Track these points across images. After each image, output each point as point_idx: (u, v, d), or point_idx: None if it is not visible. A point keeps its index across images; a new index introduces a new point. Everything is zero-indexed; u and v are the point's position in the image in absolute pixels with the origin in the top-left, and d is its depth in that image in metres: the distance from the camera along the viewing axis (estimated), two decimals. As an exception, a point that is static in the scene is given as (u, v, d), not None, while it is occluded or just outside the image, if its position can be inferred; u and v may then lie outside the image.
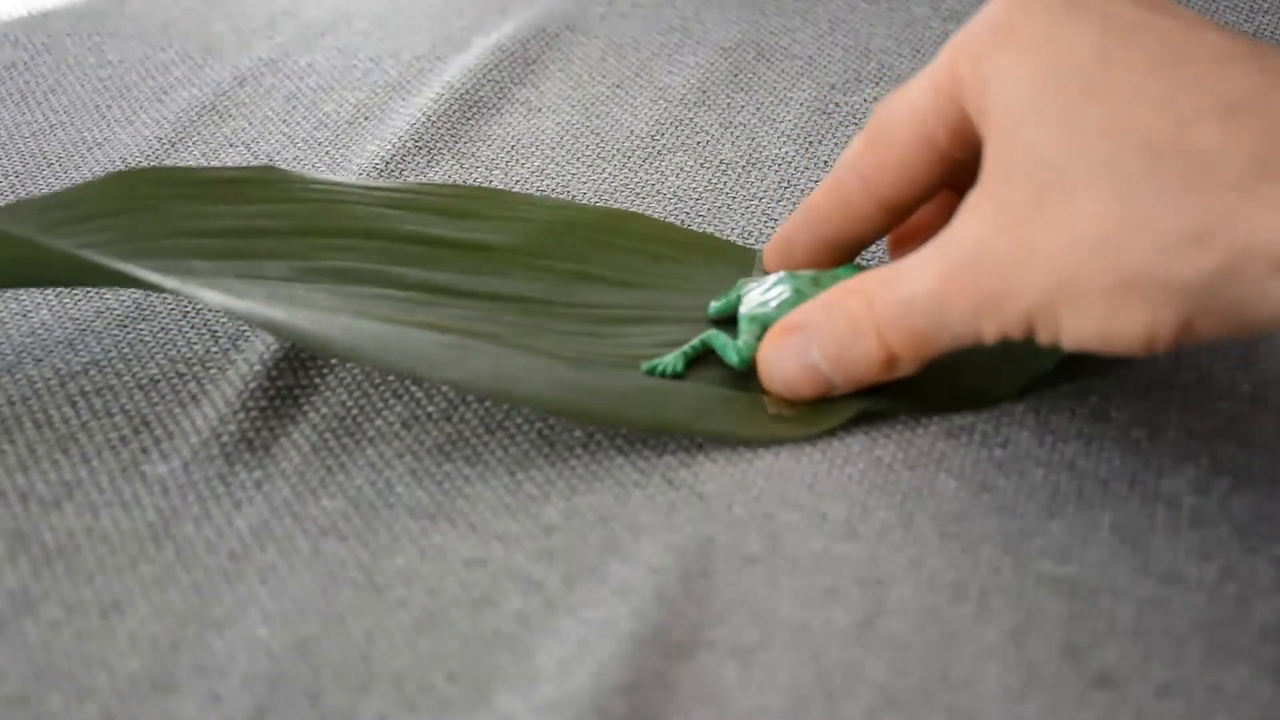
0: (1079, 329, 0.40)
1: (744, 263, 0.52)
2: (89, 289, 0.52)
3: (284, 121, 0.64)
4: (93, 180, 0.51)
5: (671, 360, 0.47)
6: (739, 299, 0.49)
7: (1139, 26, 0.41)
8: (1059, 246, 0.40)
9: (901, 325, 0.43)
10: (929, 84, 0.44)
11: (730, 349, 0.47)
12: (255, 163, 0.60)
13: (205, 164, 0.60)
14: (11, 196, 0.58)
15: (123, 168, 0.60)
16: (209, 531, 0.42)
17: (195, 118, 0.64)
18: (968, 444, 0.45)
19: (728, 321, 0.49)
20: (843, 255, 0.48)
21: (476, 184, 0.59)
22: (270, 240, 0.51)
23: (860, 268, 0.47)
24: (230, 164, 0.60)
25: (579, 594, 0.40)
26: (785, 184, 0.58)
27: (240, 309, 0.45)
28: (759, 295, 0.47)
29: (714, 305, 0.49)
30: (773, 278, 0.48)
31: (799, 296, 0.46)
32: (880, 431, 0.45)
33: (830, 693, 0.37)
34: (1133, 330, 0.40)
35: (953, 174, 0.45)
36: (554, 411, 0.44)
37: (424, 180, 0.56)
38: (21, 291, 0.52)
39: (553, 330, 0.48)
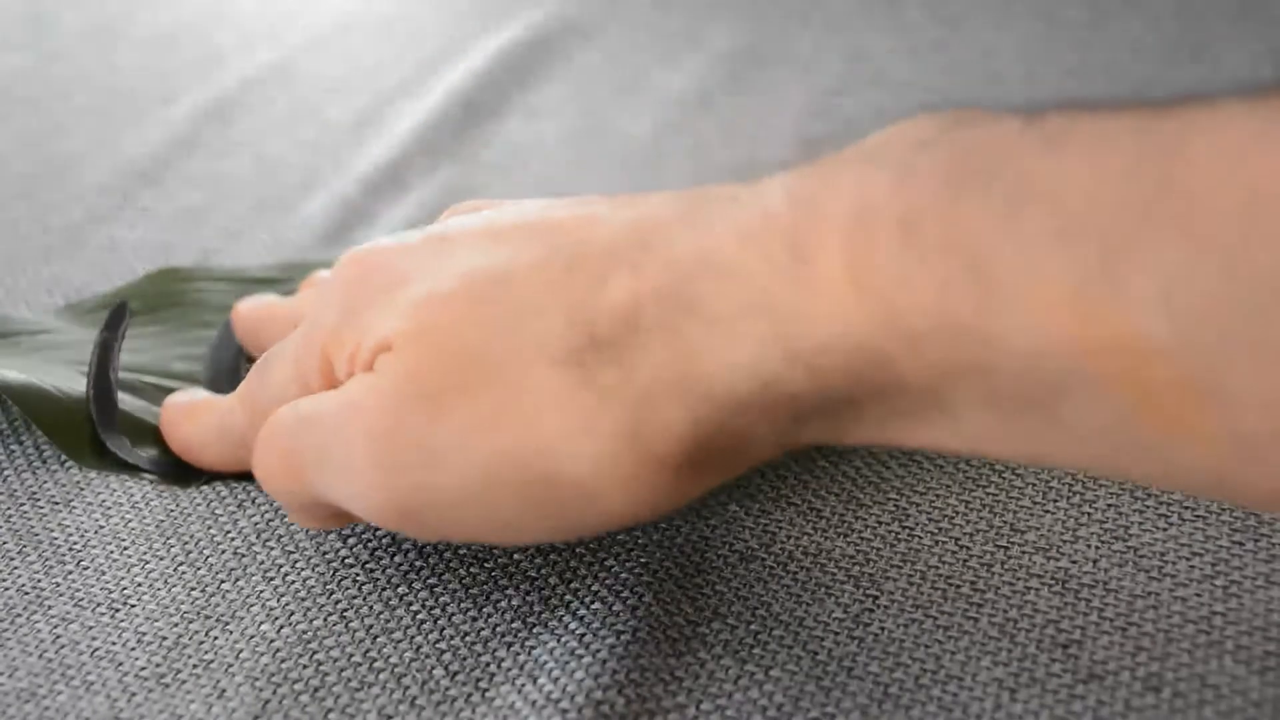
0: None
1: None
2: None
3: (289, 126, 0.64)
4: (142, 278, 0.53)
5: None
6: None
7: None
8: None
9: None
10: None
11: None
12: (260, 165, 0.61)
13: (210, 167, 0.61)
14: (22, 199, 0.59)
15: (129, 171, 0.60)
16: (214, 530, 0.43)
17: (201, 122, 0.64)
18: (961, 442, 0.45)
19: None
20: None
21: (478, 189, 0.59)
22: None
23: None
24: (235, 166, 0.61)
25: (577, 590, 0.40)
26: (783, 187, 0.58)
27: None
28: None
29: None
30: None
31: None
32: (875, 430, 0.45)
33: (825, 687, 0.37)
34: None
35: None
36: None
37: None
38: (29, 295, 0.53)
39: None
